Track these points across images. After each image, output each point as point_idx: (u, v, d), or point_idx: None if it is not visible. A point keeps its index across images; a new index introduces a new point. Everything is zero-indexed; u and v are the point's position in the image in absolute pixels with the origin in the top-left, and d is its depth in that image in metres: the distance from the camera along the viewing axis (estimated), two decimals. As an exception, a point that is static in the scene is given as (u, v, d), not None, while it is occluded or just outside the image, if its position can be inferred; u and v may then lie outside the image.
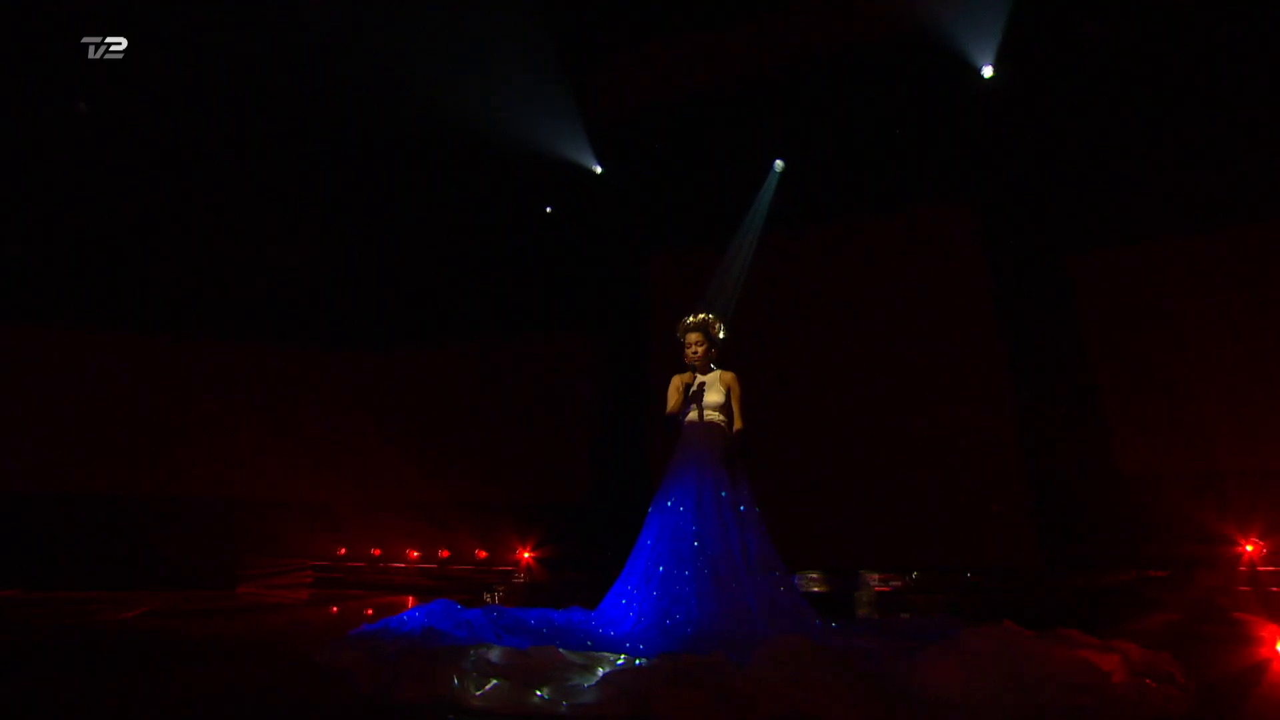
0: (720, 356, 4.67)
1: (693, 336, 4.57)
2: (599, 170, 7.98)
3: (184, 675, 3.33)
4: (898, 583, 6.42)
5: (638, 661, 3.07)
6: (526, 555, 7.88)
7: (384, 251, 8.90)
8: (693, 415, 4.48)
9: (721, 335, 4.64)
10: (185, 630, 4.77)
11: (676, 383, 4.62)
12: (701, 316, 4.62)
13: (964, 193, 6.82)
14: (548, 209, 8.40)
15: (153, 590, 7.02)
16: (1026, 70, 6.17)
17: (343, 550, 8.61)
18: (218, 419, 8.58)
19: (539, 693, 2.79)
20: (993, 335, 6.64)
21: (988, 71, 6.24)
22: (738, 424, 4.48)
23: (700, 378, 4.57)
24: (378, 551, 8.50)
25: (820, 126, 7.12)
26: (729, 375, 4.54)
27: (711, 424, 4.46)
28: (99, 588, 7.07)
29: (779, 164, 7.27)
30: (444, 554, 8.21)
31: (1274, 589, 5.22)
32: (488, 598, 6.86)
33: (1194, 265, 5.91)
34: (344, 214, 8.71)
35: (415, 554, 8.34)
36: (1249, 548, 5.40)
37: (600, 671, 3.03)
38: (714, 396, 4.49)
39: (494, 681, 2.84)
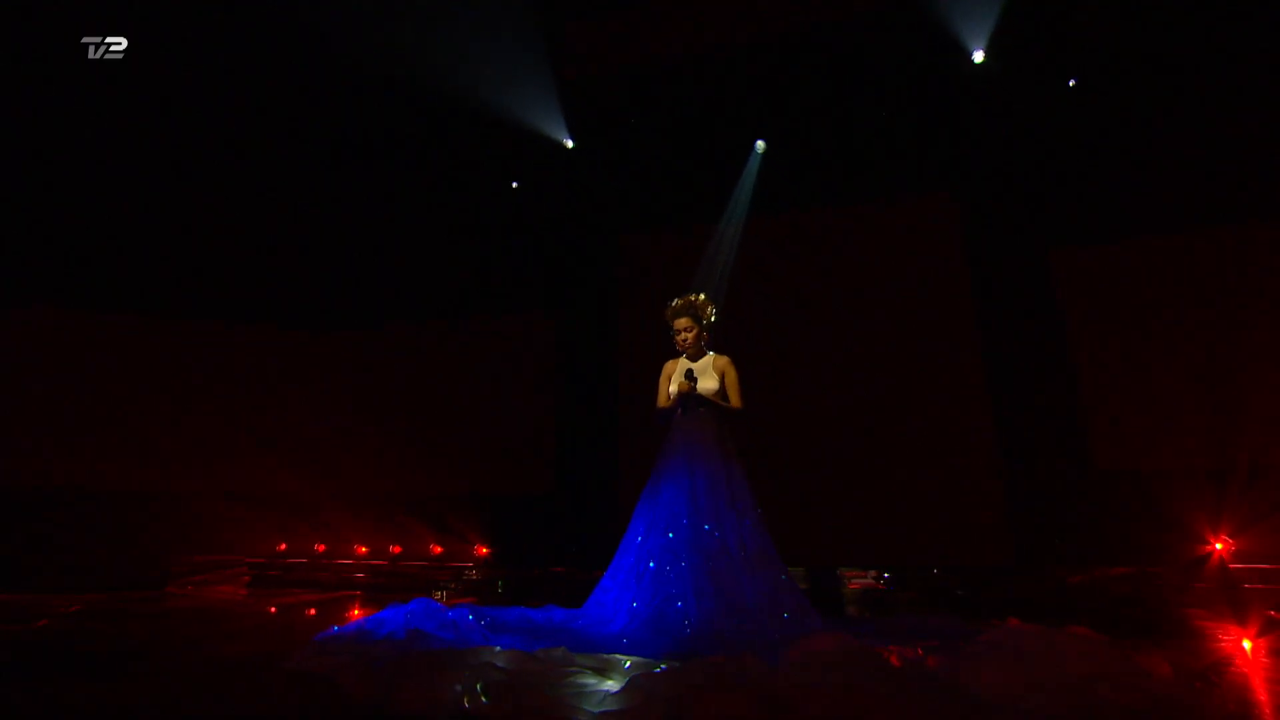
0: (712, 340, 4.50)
1: (681, 322, 4.39)
2: (570, 144, 7.71)
3: (137, 688, 2.98)
4: (871, 580, 6.43)
5: (662, 665, 2.89)
6: (484, 550, 7.63)
7: (332, 223, 8.44)
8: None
9: (713, 318, 4.48)
10: (121, 635, 4.34)
11: (669, 370, 4.47)
12: (689, 299, 4.44)
13: (948, 182, 6.85)
14: (514, 184, 8.08)
15: (70, 593, 6.45)
16: (1018, 58, 6.21)
17: (283, 546, 8.16)
18: (141, 403, 8.00)
19: (554, 698, 2.59)
20: (972, 329, 6.70)
21: (979, 56, 6.25)
22: (737, 405, 4.32)
23: (691, 365, 4.40)
24: (322, 547, 8.08)
25: (804, 106, 7.04)
26: (723, 360, 4.38)
27: (708, 417, 4.30)
28: (5, 592, 6.47)
29: (760, 145, 7.15)
30: (395, 549, 7.87)
31: (1245, 586, 5.36)
32: (437, 595, 6.66)
33: (1173, 265, 6.07)
34: (282, 180, 8.19)
35: (363, 549, 7.97)
36: (1219, 545, 5.56)
37: (616, 675, 2.86)
38: (708, 384, 4.31)
39: (504, 687, 2.62)
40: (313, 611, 5.63)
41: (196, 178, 7.90)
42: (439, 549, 7.77)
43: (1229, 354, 5.82)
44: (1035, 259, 6.52)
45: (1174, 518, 5.66)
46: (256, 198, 8.16)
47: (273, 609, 5.78)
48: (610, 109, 7.54)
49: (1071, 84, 6.13)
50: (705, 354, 4.42)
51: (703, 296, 4.46)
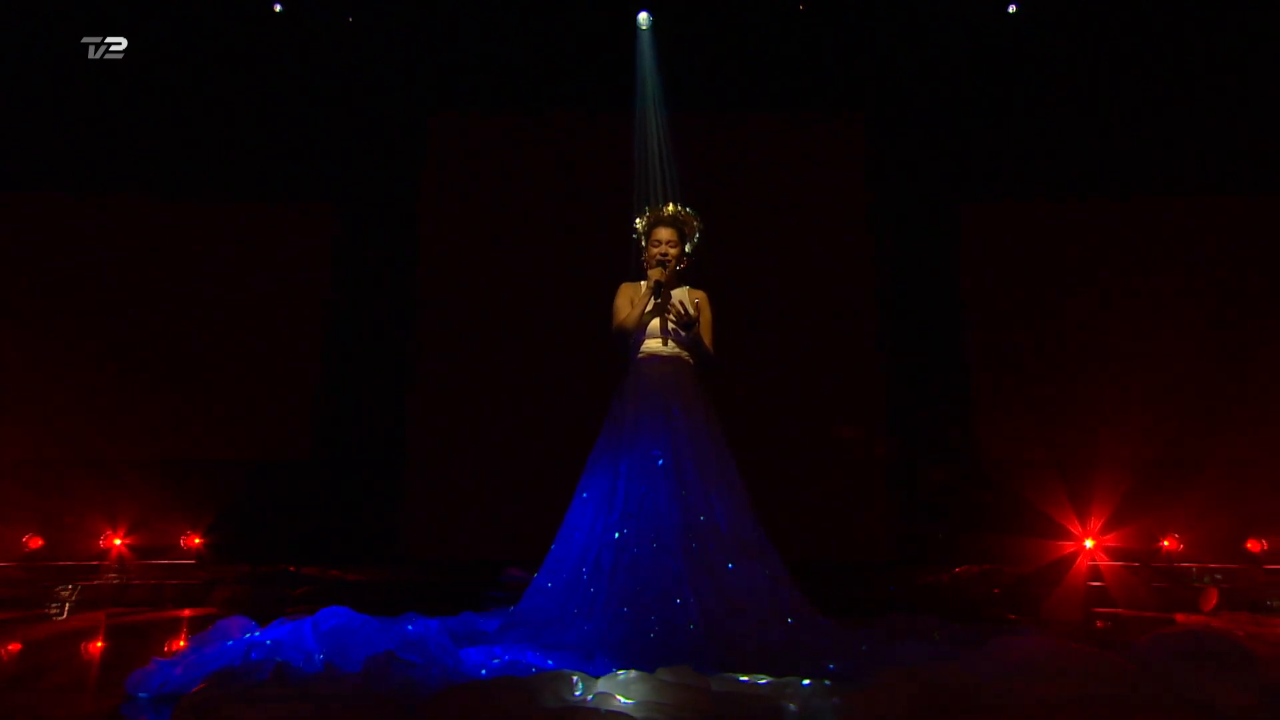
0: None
1: (665, 233, 4.11)
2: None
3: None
4: None
5: (825, 683, 2.43)
6: (197, 541, 6.26)
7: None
8: (654, 344, 4.03)
9: (698, 238, 4.25)
10: None
11: (629, 293, 4.15)
12: (675, 209, 4.22)
13: (858, 107, 6.87)
14: (276, 6, 6.46)
15: None
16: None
17: None
18: None
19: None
20: (868, 320, 6.79)
21: None
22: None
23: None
24: None
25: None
26: (700, 294, 4.16)
27: (681, 359, 4.04)
28: None
29: (644, 17, 6.54)
30: (34, 542, 6.02)
31: (1095, 583, 6.11)
32: (52, 611, 5.54)
33: (1084, 235, 6.64)
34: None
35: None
36: (1089, 543, 6.23)
37: (784, 704, 2.32)
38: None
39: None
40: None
41: None
42: (119, 538, 6.16)
43: (1130, 345, 6.39)
44: (947, 212, 6.78)
45: (1048, 513, 6.23)
46: None
47: None
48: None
49: (1012, 9, 6.44)
50: (678, 285, 4.17)
51: (690, 210, 4.23)
